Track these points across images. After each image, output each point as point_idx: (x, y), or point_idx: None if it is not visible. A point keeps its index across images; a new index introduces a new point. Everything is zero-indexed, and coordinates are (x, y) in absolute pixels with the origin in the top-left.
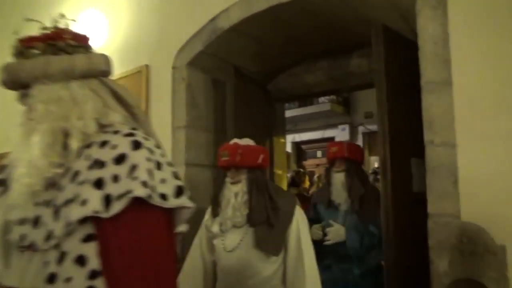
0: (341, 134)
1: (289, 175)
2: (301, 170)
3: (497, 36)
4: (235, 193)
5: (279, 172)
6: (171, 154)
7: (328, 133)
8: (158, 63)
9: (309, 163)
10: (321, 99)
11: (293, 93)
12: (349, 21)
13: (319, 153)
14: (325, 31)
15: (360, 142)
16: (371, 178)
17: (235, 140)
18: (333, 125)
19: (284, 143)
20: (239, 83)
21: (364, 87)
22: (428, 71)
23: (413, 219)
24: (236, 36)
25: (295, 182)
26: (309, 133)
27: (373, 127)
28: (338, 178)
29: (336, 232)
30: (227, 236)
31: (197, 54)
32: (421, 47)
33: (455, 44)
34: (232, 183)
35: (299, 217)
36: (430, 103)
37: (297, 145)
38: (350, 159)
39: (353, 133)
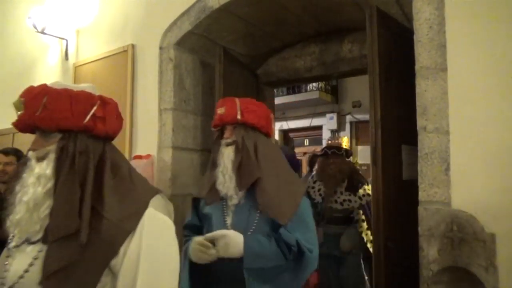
0: (328, 122)
1: None
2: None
3: (494, 22)
4: (38, 177)
5: None
6: (158, 136)
7: (315, 121)
8: (145, 42)
9: (296, 151)
10: (309, 87)
11: (282, 78)
12: (341, 3)
13: (306, 142)
14: (316, 13)
15: (347, 131)
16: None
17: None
18: (321, 114)
19: (273, 130)
20: (228, 65)
21: (355, 73)
22: (422, 56)
23: (403, 207)
24: (225, 16)
25: None
26: (297, 121)
27: (361, 117)
28: (228, 154)
29: (226, 247)
30: (14, 259)
31: (185, 34)
32: (417, 31)
33: (451, 29)
34: (37, 160)
35: (148, 234)
36: (424, 89)
37: (284, 133)
38: (248, 124)
39: (340, 122)
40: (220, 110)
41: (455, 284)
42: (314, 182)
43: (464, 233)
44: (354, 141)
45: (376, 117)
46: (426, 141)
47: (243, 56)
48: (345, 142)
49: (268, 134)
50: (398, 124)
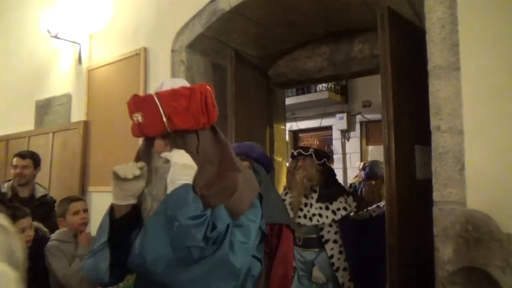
0: (338, 123)
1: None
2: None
3: (508, 20)
4: None
5: (279, 159)
6: None
7: (325, 121)
8: (157, 45)
9: None
10: (319, 87)
11: (293, 79)
12: (351, 3)
13: (316, 142)
14: (326, 14)
15: (357, 131)
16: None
17: None
18: (331, 114)
19: (284, 130)
20: (239, 67)
21: (366, 73)
22: (435, 55)
23: (416, 207)
24: (236, 19)
25: None
26: (307, 122)
27: (371, 116)
28: (161, 176)
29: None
30: None
31: (197, 37)
32: (429, 30)
33: (464, 28)
34: None
35: None
36: (437, 88)
37: (294, 133)
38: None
39: (350, 122)
40: (136, 117)
41: (471, 285)
42: (285, 194)
43: (479, 233)
44: (364, 141)
45: (388, 117)
46: (440, 141)
47: (254, 58)
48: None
49: (210, 122)
50: (411, 124)
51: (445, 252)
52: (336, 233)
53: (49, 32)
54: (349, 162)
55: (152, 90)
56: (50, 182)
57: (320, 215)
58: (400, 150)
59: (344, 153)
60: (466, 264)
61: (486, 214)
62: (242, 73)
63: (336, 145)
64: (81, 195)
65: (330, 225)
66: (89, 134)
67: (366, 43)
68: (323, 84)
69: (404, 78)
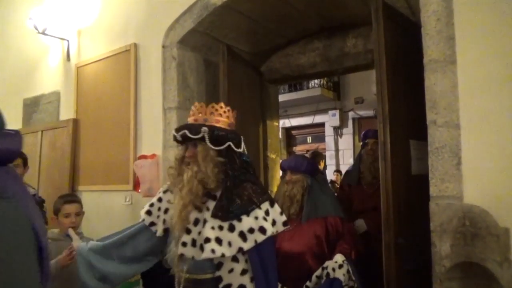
0: (331, 119)
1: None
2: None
3: (503, 12)
4: None
5: (273, 156)
6: (162, 136)
7: (318, 118)
8: (147, 41)
9: (299, 149)
10: (312, 84)
11: (286, 75)
12: None
13: (309, 139)
14: (320, 9)
15: (350, 128)
16: None
17: None
18: (323, 111)
19: (278, 127)
20: (232, 63)
21: (360, 68)
22: (431, 49)
23: (412, 202)
24: (228, 13)
25: None
26: (299, 119)
27: (364, 113)
28: None
29: None
30: None
31: (188, 32)
32: (424, 23)
33: (460, 21)
34: None
35: None
36: (433, 82)
37: (287, 130)
38: None
39: (343, 118)
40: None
41: (468, 280)
42: (168, 202)
43: (477, 228)
44: (357, 138)
45: (384, 111)
46: (436, 135)
47: (247, 54)
48: (224, 113)
49: None
50: (406, 118)
51: (442, 248)
52: (244, 272)
53: (36, 28)
54: (342, 159)
55: (142, 87)
56: (39, 181)
57: (219, 241)
58: (395, 145)
59: (337, 150)
60: (464, 259)
61: (483, 209)
62: (234, 69)
63: (329, 142)
64: None
65: (235, 259)
66: (78, 132)
67: (359, 38)
68: (316, 81)
69: (399, 72)
